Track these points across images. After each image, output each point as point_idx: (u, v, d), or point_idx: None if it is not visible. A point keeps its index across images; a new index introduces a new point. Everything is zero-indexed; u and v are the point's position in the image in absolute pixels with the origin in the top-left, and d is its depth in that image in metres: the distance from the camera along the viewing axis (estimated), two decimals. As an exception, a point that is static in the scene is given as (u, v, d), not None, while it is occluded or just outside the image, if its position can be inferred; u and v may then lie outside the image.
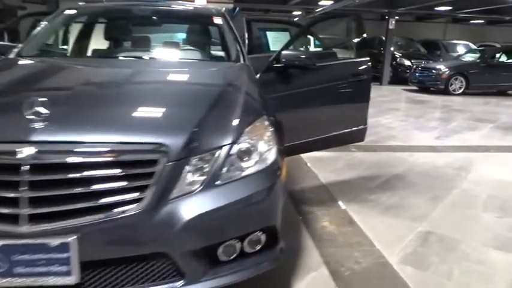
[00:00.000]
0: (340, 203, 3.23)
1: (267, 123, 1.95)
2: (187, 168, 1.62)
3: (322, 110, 3.42)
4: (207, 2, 12.90)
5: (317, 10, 13.58)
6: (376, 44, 14.91)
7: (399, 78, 13.45)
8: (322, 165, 4.20)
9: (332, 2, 12.32)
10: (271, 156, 1.86)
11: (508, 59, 11.94)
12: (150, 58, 2.86)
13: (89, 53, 3.23)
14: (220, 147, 1.71)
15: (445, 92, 11.08)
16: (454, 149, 5.13)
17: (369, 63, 3.66)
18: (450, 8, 13.86)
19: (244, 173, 1.75)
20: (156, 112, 1.80)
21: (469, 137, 5.92)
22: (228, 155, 1.71)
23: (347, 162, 4.37)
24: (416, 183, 3.78)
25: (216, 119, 1.81)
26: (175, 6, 3.48)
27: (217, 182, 1.67)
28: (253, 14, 15.36)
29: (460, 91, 11.20)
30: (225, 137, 1.73)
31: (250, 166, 1.78)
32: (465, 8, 13.79)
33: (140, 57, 2.84)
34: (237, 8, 14.86)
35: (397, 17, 14.03)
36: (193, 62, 2.81)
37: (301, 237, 2.63)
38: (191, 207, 1.60)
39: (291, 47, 4.12)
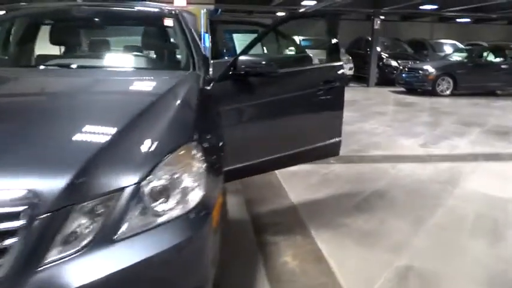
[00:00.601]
0: (309, 229, 2.81)
1: (195, 151, 1.53)
2: (70, 220, 1.21)
3: (290, 122, 3.01)
4: (187, 3, 12.50)
5: (300, 11, 13.20)
6: (363, 45, 14.60)
7: (386, 79, 13.12)
8: (295, 181, 3.79)
9: (315, 2, 11.95)
10: (198, 195, 1.45)
11: (495, 58, 11.67)
12: (78, 67, 2.42)
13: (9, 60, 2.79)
14: (122, 189, 1.29)
15: (433, 93, 10.75)
16: (440, 158, 4.75)
17: (342, 69, 3.27)
18: (436, 6, 13.58)
19: (159, 220, 1.33)
20: (32, 144, 1.36)
21: (456, 143, 5.54)
22: (134, 197, 1.30)
23: (323, 177, 3.96)
24: (397, 202, 3.38)
25: (121, 148, 1.40)
26: (121, 7, 3.05)
27: (116, 237, 1.25)
28: (236, 16, 14.97)
29: (448, 92, 10.87)
30: (129, 173, 1.32)
31: (167, 210, 1.36)
32: (451, 7, 13.53)
33: (67, 66, 2.41)
34: (219, 10, 14.46)
35: (382, 17, 13.71)
36: (125, 72, 2.39)
37: (256, 277, 2.21)
38: (74, 274, 1.18)
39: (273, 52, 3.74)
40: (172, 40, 2.91)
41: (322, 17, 3.57)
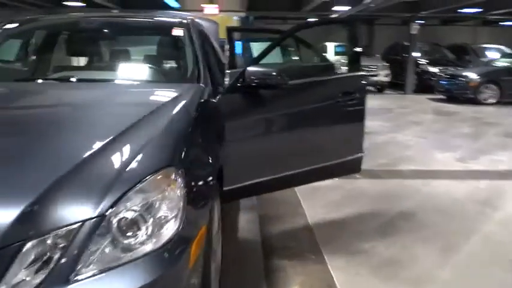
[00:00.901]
0: (323, 254, 2.56)
1: (174, 176, 1.35)
2: (19, 259, 1.06)
3: (306, 137, 2.79)
4: (219, 11, 12.51)
5: (331, 16, 12.90)
6: (400, 51, 14.05)
7: (425, 86, 12.52)
8: (314, 198, 3.53)
9: (348, 7, 11.61)
10: (174, 227, 1.27)
11: (546, 64, 10.84)
12: (78, 80, 2.31)
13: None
14: (83, 222, 1.13)
15: (475, 101, 10.09)
16: (479, 175, 4.33)
17: (363, 80, 3.02)
18: (480, 9, 12.83)
19: (127, 256, 1.17)
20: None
21: (499, 158, 5.07)
22: (97, 230, 1.14)
23: (346, 194, 3.68)
24: (426, 225, 3.05)
25: (89, 173, 1.26)
26: (128, 17, 2.95)
27: (73, 276, 1.10)
28: (268, 23, 14.84)
29: (493, 100, 10.17)
30: (93, 203, 1.17)
31: (138, 245, 1.20)
32: (496, 9, 12.74)
33: (67, 79, 2.32)
34: (251, 17, 14.40)
35: (421, 21, 13.14)
36: (118, 86, 2.26)
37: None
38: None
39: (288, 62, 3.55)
40: (179, 51, 2.77)
41: (342, 24, 3.32)
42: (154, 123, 1.59)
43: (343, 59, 12.99)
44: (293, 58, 4.87)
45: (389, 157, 5.01)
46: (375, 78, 12.53)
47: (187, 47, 2.61)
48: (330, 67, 3.13)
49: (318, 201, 3.47)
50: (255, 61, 2.62)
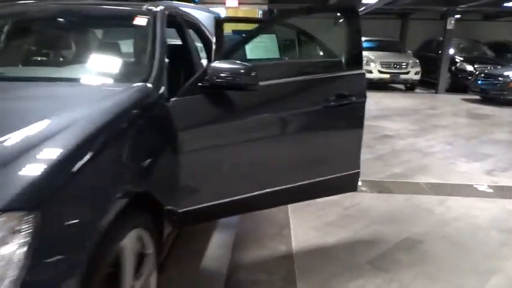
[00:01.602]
0: (296, 296, 2.09)
1: (18, 223, 0.95)
2: None
3: (286, 150, 2.32)
4: (239, 3, 12.04)
5: (360, 9, 12.15)
6: (434, 47, 13.12)
7: (459, 85, 11.61)
8: (306, 216, 3.05)
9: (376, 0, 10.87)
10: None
11: None
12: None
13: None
14: None
15: (514, 103, 9.20)
16: (510, 194, 3.70)
17: (363, 80, 2.51)
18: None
19: None
20: None
21: (535, 171, 4.39)
22: None
23: (344, 212, 3.17)
24: (432, 259, 2.51)
25: None
26: (83, 6, 2.55)
27: None
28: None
29: (535, 103, 9.24)
30: None
31: None
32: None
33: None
34: (274, 10, 13.87)
35: (458, 16, 12.19)
36: (33, 86, 1.85)
37: None
38: None
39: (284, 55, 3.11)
40: (134, 44, 2.36)
41: (338, 12, 2.79)
42: (28, 144, 1.17)
43: (371, 55, 12.31)
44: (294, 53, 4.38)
45: (406, 166, 4.42)
46: (404, 76, 11.76)
47: (145, 41, 2.20)
48: (335, 64, 2.61)
49: (309, 221, 2.98)
50: (225, 55, 2.16)
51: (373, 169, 4.27)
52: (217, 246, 2.58)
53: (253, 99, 2.17)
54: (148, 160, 1.64)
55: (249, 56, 3.38)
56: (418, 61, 12.00)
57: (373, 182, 3.85)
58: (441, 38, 12.29)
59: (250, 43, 3.51)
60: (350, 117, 2.45)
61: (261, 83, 2.13)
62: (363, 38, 12.82)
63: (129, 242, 1.45)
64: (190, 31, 3.51)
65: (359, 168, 2.52)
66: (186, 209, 2.09)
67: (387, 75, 11.71)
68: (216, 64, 2.02)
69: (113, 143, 1.41)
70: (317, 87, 2.35)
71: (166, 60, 3.22)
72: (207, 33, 3.61)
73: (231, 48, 2.28)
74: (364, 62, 11.89)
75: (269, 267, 2.38)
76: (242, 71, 1.98)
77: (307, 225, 2.92)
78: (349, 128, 2.47)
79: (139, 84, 1.91)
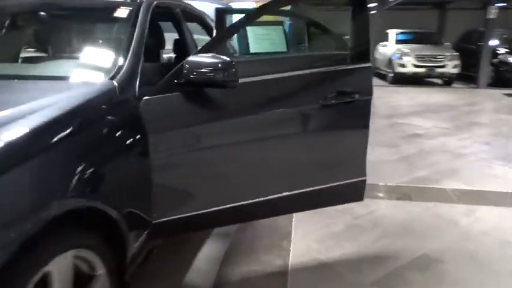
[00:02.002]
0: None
1: None
2: None
3: (279, 154, 2.06)
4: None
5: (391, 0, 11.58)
6: (475, 39, 12.27)
7: (502, 79, 10.79)
8: (311, 226, 2.76)
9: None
10: None
11: None
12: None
13: None
14: None
15: None
16: (551, 203, 3.24)
17: (370, 75, 2.20)
18: None
19: None
20: None
21: None
22: None
23: (354, 222, 2.85)
24: (454, 281, 2.15)
25: None
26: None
27: None
28: (320, 9, 13.77)
29: None
30: None
31: None
32: None
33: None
34: (302, 4, 13.47)
35: (502, 4, 11.31)
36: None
37: None
38: None
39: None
40: (109, 39, 2.15)
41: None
42: None
43: (405, 48, 11.65)
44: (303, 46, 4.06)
45: (432, 169, 4.02)
46: (441, 70, 11.05)
47: (122, 34, 2.01)
48: (338, 57, 2.33)
49: (313, 231, 2.69)
50: (204, 49, 1.92)
51: (394, 172, 3.90)
52: (205, 259, 2.35)
53: (238, 98, 1.92)
54: (98, 170, 1.42)
55: (252, 50, 3.12)
56: (457, 54, 11.25)
57: (392, 187, 3.50)
58: (482, 29, 11.46)
59: (254, 35, 3.26)
60: (353, 117, 2.14)
61: (248, 79, 1.89)
62: (397, 30, 12.27)
63: (62, 265, 1.24)
64: (195, 24, 3.30)
65: (365, 176, 2.21)
66: (161, 220, 1.88)
67: (422, 69, 11.04)
68: (193, 58, 1.79)
69: (41, 151, 1.21)
70: (313, 83, 2.06)
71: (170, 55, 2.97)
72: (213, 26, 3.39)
73: (215, 40, 2.03)
74: (398, 56, 11.29)
75: (258, 285, 2.12)
76: (220, 65, 1.73)
77: (310, 236, 2.64)
78: (352, 130, 2.16)
79: (101, 81, 1.71)
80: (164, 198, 1.86)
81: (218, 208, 1.97)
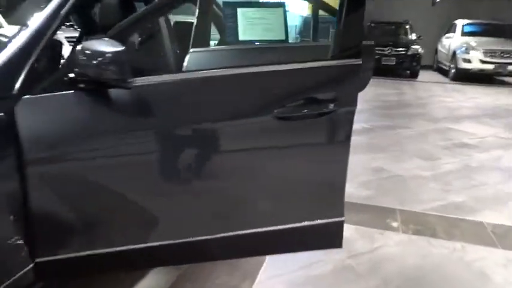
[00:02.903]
0: None
1: None
2: None
3: (208, 182, 1.53)
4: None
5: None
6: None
7: None
8: (289, 261, 2.15)
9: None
10: None
11: None
12: None
13: None
14: None
15: None
16: None
17: (356, 76, 1.56)
18: None
19: None
20: None
21: None
22: None
23: (347, 262, 2.20)
24: None
25: None
26: None
27: None
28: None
29: None
30: None
31: None
32: None
33: None
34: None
35: None
36: None
37: None
38: None
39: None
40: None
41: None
42: None
43: (473, 42, 10.26)
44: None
45: (473, 193, 3.21)
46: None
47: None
48: (320, 50, 1.73)
49: (289, 272, 2.09)
50: (120, 32, 1.40)
51: (421, 193, 3.16)
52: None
53: (158, 101, 1.39)
54: None
55: (241, 37, 2.54)
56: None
57: (412, 215, 2.78)
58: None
59: (245, 19, 2.67)
60: (325, 136, 1.53)
61: (160, 79, 1.36)
62: (465, 21, 10.88)
63: None
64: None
65: (342, 216, 1.59)
66: (45, 259, 1.42)
67: (490, 66, 9.70)
68: (85, 44, 1.28)
69: None
70: (266, 85, 1.47)
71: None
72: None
73: (129, 22, 1.49)
74: (463, 49, 10.00)
75: None
76: (108, 54, 1.21)
77: (282, 278, 2.05)
78: (324, 154, 1.54)
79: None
80: (46, 230, 1.40)
81: (125, 248, 1.47)
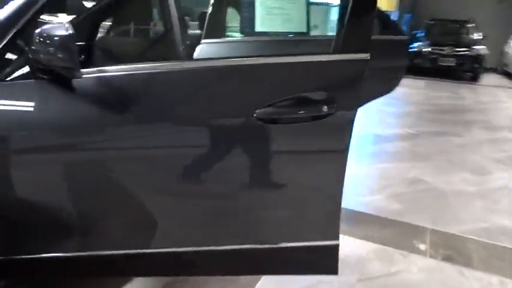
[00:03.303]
0: None
1: None
2: None
3: (183, 193, 1.36)
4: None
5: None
6: None
7: None
8: (287, 283, 1.92)
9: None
10: None
11: None
12: None
13: None
14: None
15: None
16: None
17: (361, 74, 1.30)
18: None
19: None
20: None
21: None
22: None
23: (355, 286, 1.94)
24: None
25: None
26: None
27: None
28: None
29: None
30: None
31: None
32: None
33: None
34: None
35: None
36: None
37: None
38: None
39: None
40: None
41: None
42: None
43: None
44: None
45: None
46: None
47: None
48: (322, 43, 1.50)
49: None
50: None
51: (462, 212, 2.78)
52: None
53: (128, 96, 1.24)
54: None
55: (258, 29, 2.37)
56: None
57: (445, 237, 2.43)
58: None
59: (263, 9, 2.46)
60: (318, 144, 1.29)
61: (158, 68, 1.22)
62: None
63: None
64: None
65: (337, 239, 1.34)
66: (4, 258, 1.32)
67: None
68: (42, 28, 1.15)
69: None
70: (249, 81, 1.26)
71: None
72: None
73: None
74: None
75: None
76: (56, 38, 1.07)
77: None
78: (315, 167, 1.30)
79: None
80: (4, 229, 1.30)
81: (90, 253, 1.34)
